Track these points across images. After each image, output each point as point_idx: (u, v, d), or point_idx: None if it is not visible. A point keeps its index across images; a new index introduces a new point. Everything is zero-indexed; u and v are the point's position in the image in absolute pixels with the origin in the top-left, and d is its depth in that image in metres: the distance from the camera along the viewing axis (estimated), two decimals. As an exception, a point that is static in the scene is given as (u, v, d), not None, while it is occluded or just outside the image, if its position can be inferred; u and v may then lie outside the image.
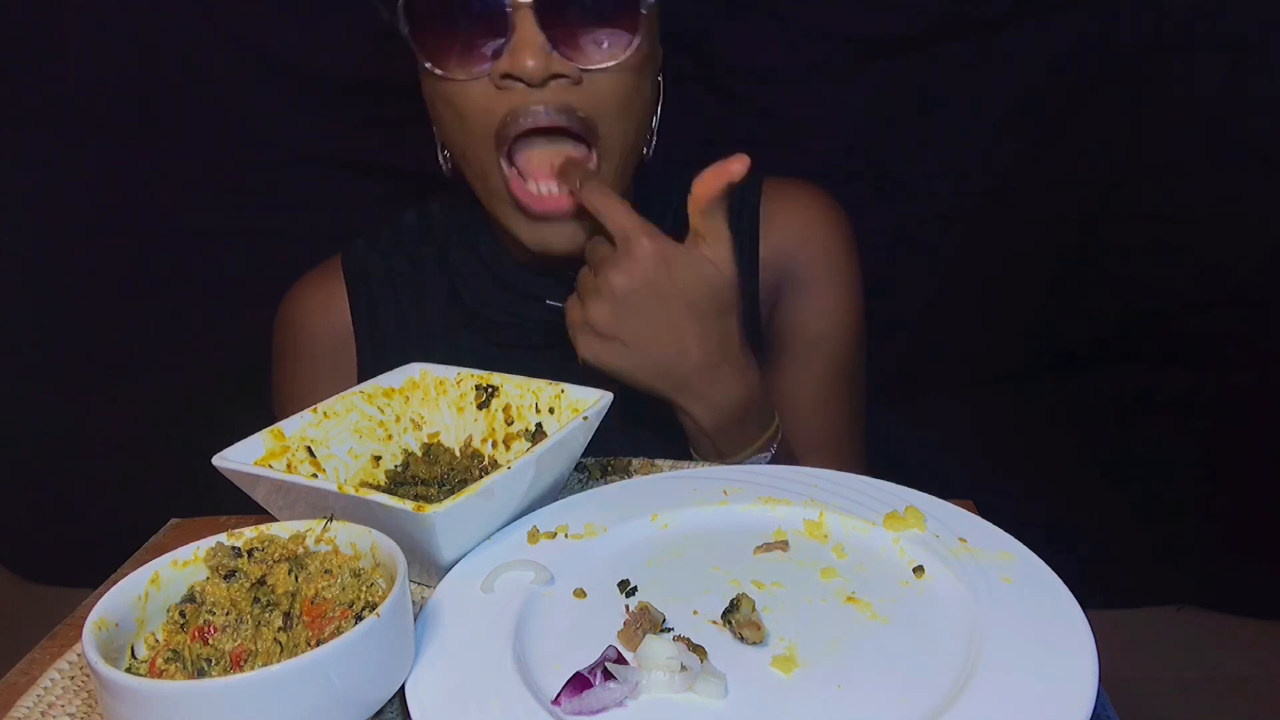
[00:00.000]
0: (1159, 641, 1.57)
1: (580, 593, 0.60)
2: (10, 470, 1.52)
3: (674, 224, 0.93)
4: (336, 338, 1.00)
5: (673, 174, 0.96)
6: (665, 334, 0.78)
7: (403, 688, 0.52)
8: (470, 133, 0.81)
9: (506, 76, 0.77)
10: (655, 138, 0.91)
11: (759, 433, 0.83)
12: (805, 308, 0.97)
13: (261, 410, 1.04)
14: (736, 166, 0.76)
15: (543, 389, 0.76)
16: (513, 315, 0.94)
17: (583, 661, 0.52)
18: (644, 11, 0.80)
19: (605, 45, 0.80)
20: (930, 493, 0.69)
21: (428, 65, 0.80)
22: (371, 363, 0.99)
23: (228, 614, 0.52)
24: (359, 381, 0.98)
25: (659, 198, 0.93)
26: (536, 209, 0.82)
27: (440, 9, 0.78)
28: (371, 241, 1.03)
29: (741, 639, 0.55)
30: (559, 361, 0.93)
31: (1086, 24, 1.26)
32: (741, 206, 0.97)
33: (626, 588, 0.61)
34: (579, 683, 0.50)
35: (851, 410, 1.01)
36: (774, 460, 0.85)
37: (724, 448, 0.83)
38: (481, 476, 0.63)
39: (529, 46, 0.75)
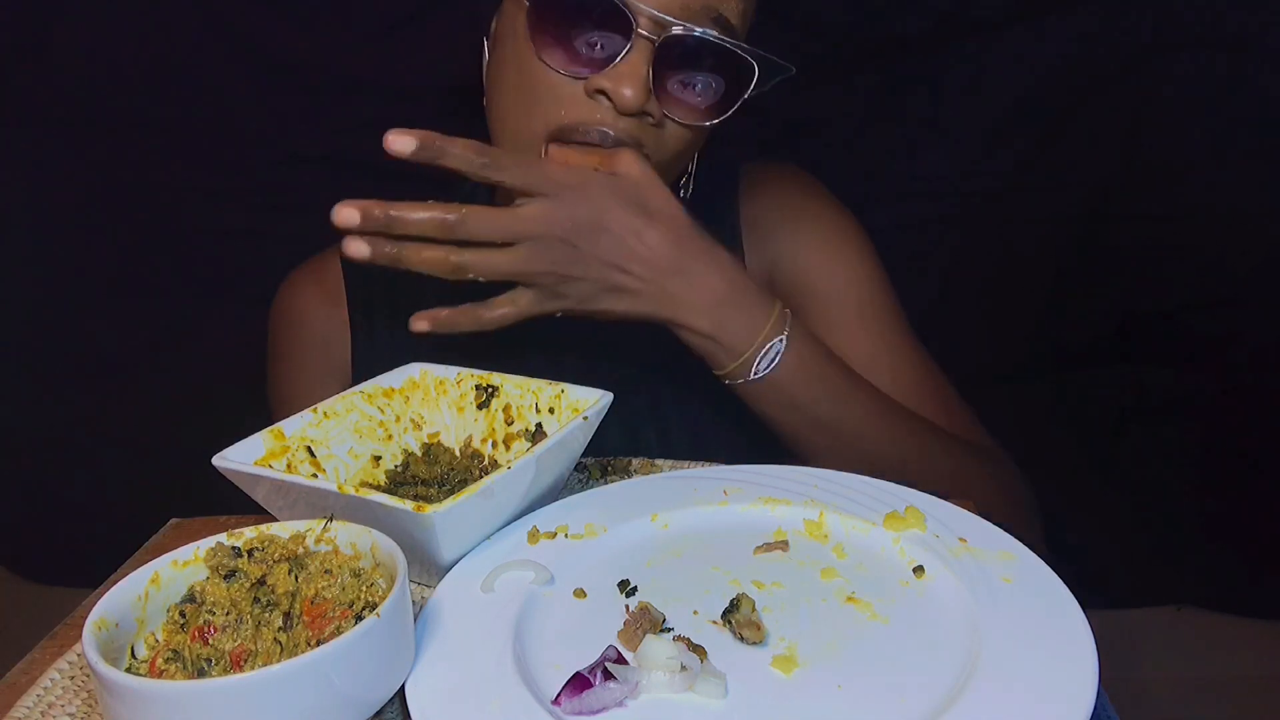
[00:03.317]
0: (1159, 641, 1.57)
1: (580, 593, 0.60)
2: (10, 470, 1.51)
3: (731, 235, 0.95)
4: (332, 327, 1.01)
5: (716, 184, 0.97)
6: (613, 252, 0.76)
7: (403, 688, 0.52)
8: (529, 116, 0.82)
9: (600, 93, 0.78)
10: (691, 186, 0.93)
11: (764, 316, 0.80)
12: (803, 263, 0.96)
13: (262, 410, 1.04)
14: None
15: (543, 389, 0.76)
16: None
17: (583, 661, 0.52)
18: (748, 95, 0.82)
19: (699, 107, 0.82)
20: (930, 493, 0.69)
21: (530, 48, 0.80)
22: (366, 351, 0.99)
23: (228, 614, 0.52)
24: (354, 371, 0.98)
25: (708, 212, 0.94)
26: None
27: (570, 3, 0.79)
28: None
29: (741, 639, 0.55)
30: (552, 347, 0.93)
31: (1086, 24, 1.26)
32: (727, 202, 0.97)
33: (626, 588, 0.61)
34: (579, 683, 0.50)
35: (922, 359, 0.95)
36: (790, 346, 0.80)
37: (734, 342, 0.79)
38: (481, 476, 0.63)
39: (634, 77, 0.76)
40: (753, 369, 0.80)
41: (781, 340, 0.80)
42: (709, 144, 0.92)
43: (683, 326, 0.79)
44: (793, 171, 1.01)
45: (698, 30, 0.77)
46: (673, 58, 0.78)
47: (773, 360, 0.80)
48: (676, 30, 0.77)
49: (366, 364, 0.97)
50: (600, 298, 0.77)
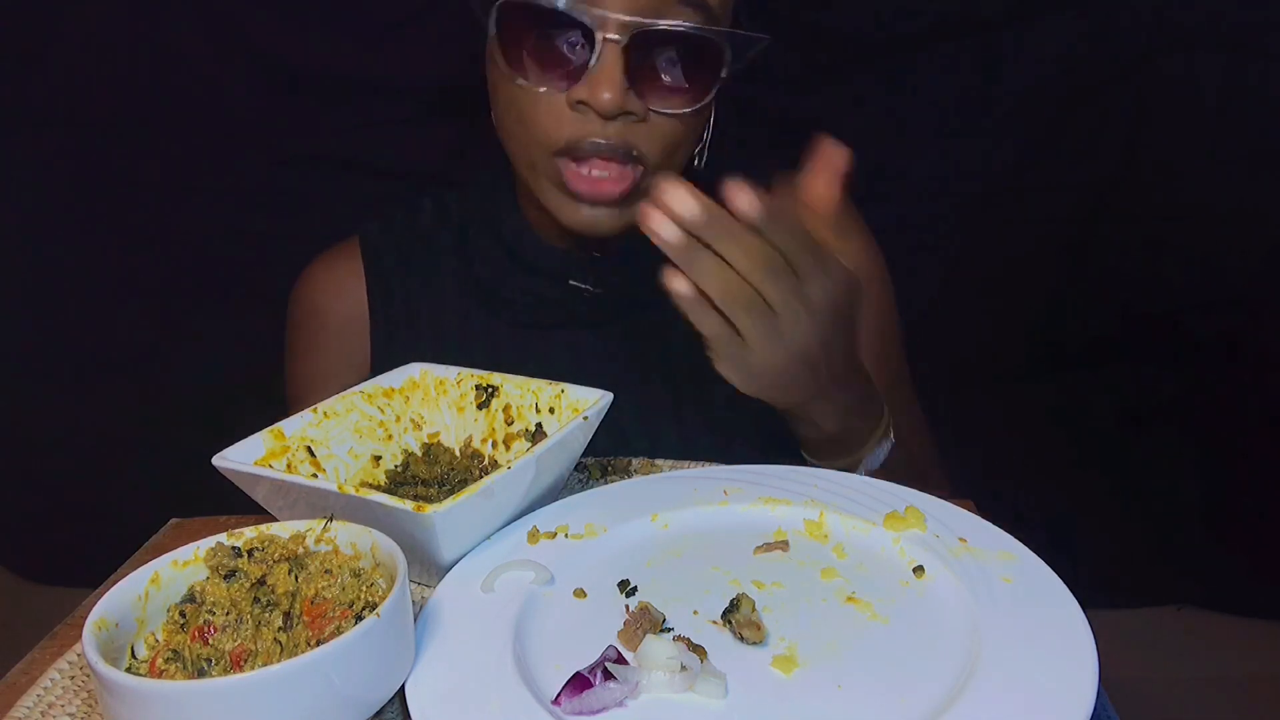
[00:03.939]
0: (1159, 641, 1.57)
1: (580, 593, 0.60)
2: (10, 470, 1.51)
3: None
4: (351, 317, 1.01)
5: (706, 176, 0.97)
6: (817, 349, 0.72)
7: (403, 688, 0.52)
8: (530, 137, 0.83)
9: (581, 103, 0.79)
10: (705, 155, 0.93)
11: (876, 420, 0.81)
12: None
13: (263, 410, 1.04)
14: (837, 161, 0.75)
15: (543, 389, 0.76)
16: (531, 295, 0.95)
17: (583, 661, 0.52)
18: (723, 75, 0.82)
19: (679, 95, 0.82)
20: (930, 493, 0.69)
21: (508, 70, 0.81)
22: (384, 342, 0.99)
23: (228, 614, 0.52)
24: (372, 361, 0.98)
25: None
26: (587, 193, 0.82)
27: (533, 22, 0.80)
28: (387, 224, 1.04)
29: (741, 639, 0.55)
30: (571, 340, 0.94)
31: (1086, 24, 1.26)
32: None
33: (626, 588, 0.61)
34: (579, 683, 0.50)
35: (910, 387, 1.04)
36: (895, 450, 0.82)
37: (850, 441, 0.80)
38: (481, 476, 0.63)
39: (609, 81, 0.77)
40: (861, 468, 0.80)
41: (886, 445, 0.81)
42: (723, 145, 0.92)
43: (813, 423, 0.78)
44: None
45: (663, 23, 0.77)
46: (644, 53, 0.79)
47: (880, 459, 0.81)
48: (642, 28, 0.77)
49: (384, 355, 0.97)
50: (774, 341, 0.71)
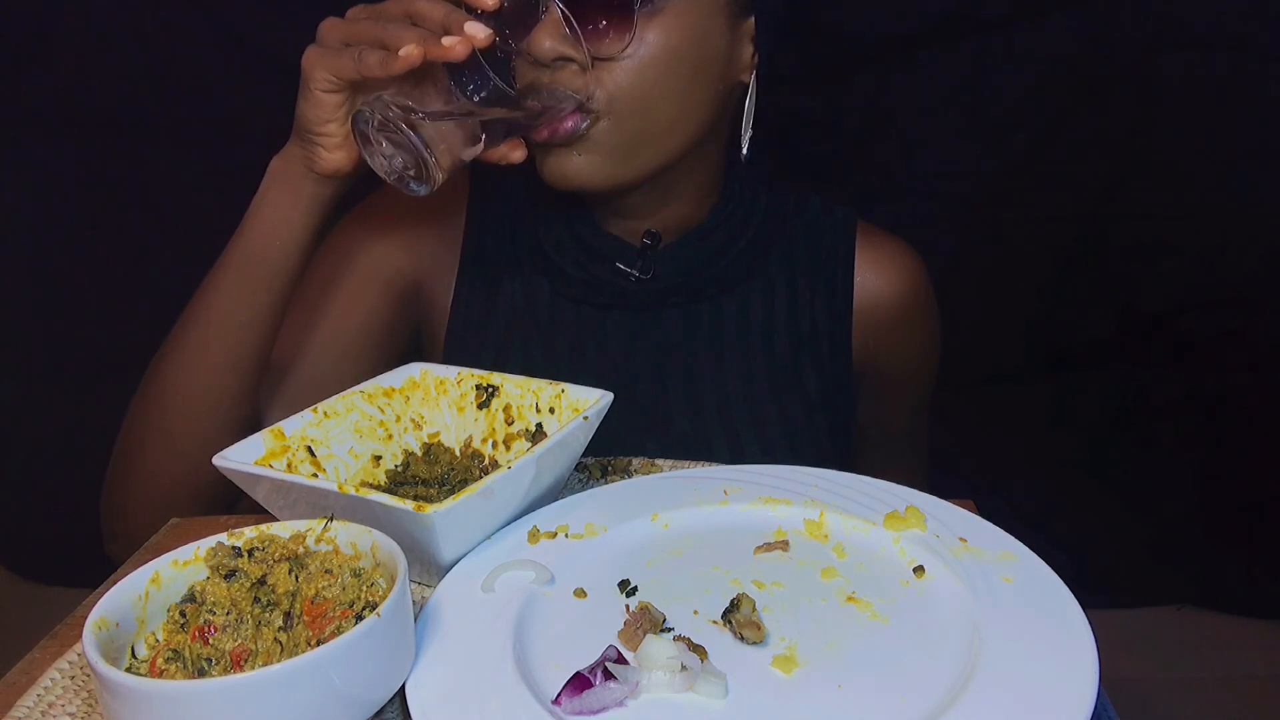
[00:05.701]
0: (1159, 641, 1.57)
1: (580, 593, 0.60)
2: (10, 470, 1.52)
3: (758, 233, 0.96)
4: (445, 227, 1.00)
5: (758, 179, 0.99)
6: None
7: (403, 688, 0.52)
8: None
9: (528, 55, 0.79)
10: (749, 136, 0.92)
11: None
12: (898, 354, 1.02)
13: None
14: None
15: (543, 389, 0.76)
16: (584, 271, 0.95)
17: (583, 661, 0.52)
18: (639, 8, 0.81)
19: (609, 37, 0.81)
20: (930, 493, 0.69)
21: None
22: (465, 297, 0.99)
23: (228, 614, 0.52)
24: (452, 308, 0.99)
25: (746, 200, 0.96)
26: (544, 135, 0.82)
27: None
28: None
29: (742, 639, 0.55)
30: (622, 323, 0.95)
31: (1086, 24, 1.26)
32: (836, 246, 0.99)
33: (626, 588, 0.61)
34: (579, 683, 0.50)
35: (925, 427, 1.13)
36: None
37: None
38: (481, 476, 0.63)
39: (545, 27, 0.78)
40: None
41: None
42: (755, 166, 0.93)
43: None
44: (913, 259, 1.03)
45: None
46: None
47: None
48: None
49: (464, 309, 0.98)
50: None
